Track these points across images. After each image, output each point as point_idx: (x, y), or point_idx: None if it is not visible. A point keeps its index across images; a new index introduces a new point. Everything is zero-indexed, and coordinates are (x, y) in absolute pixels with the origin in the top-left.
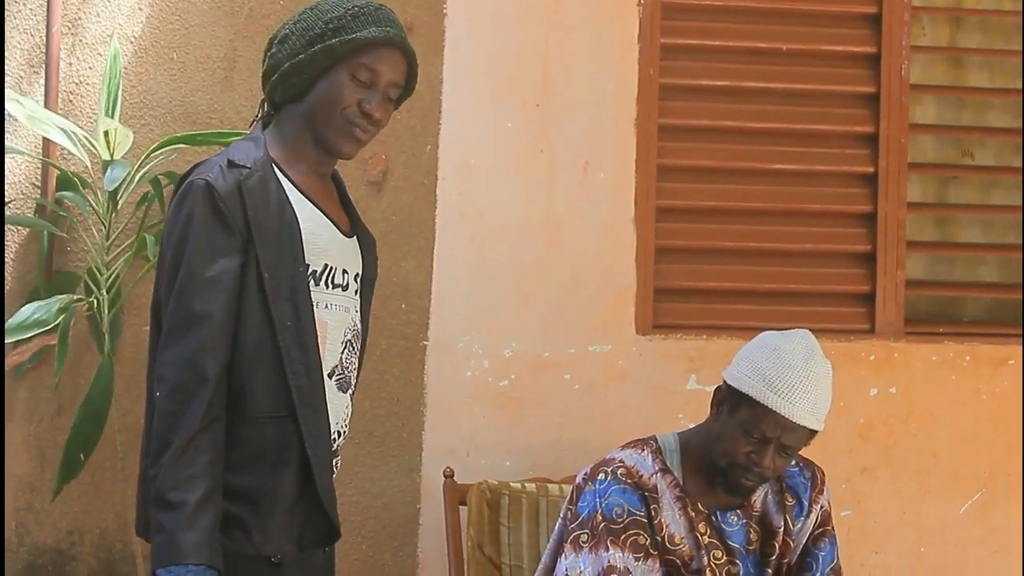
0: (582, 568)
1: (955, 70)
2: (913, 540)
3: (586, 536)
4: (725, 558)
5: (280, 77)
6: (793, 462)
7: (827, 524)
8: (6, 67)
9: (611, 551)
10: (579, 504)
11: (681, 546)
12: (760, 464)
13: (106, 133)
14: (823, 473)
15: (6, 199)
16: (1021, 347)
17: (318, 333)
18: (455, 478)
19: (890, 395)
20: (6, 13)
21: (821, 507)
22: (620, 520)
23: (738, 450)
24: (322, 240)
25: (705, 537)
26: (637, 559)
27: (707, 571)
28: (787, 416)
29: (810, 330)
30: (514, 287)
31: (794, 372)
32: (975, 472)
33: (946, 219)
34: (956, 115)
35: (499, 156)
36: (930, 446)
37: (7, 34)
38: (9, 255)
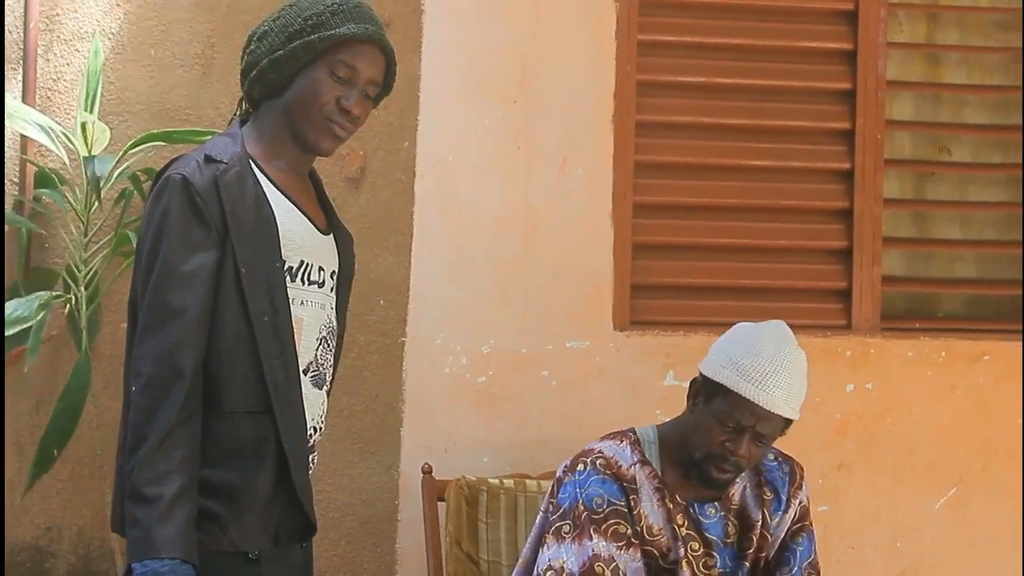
0: (565, 558)
1: (932, 66)
2: (889, 535)
3: (568, 527)
4: (702, 550)
5: (259, 73)
6: (772, 456)
7: (805, 519)
8: None
9: (594, 540)
10: (560, 495)
11: (659, 537)
12: (736, 453)
13: (83, 126)
14: (802, 469)
15: None
16: (998, 342)
17: (294, 329)
18: (433, 474)
19: (866, 391)
20: None
21: (800, 502)
22: (601, 510)
23: (713, 440)
24: (299, 236)
25: (683, 529)
26: (619, 548)
27: (683, 563)
28: (761, 404)
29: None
30: (492, 284)
31: (767, 360)
32: (951, 467)
33: (923, 215)
34: (933, 111)
35: (477, 152)
36: (906, 441)
37: None
38: None
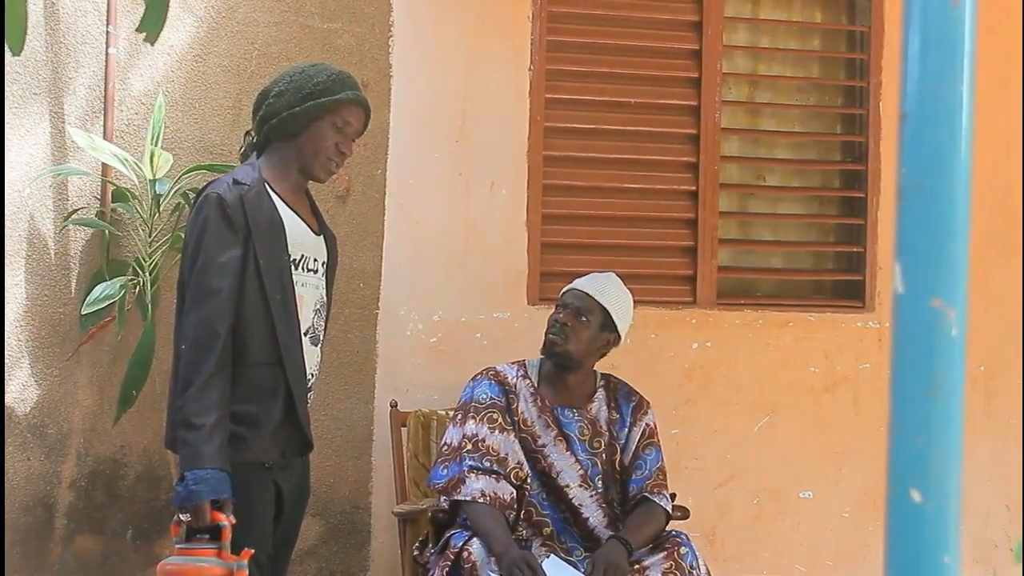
0: (453, 436)
1: (752, 117)
2: (722, 449)
3: (460, 416)
4: (563, 440)
5: (279, 122)
6: (627, 389)
7: (652, 437)
8: (76, 109)
9: (469, 423)
10: (461, 397)
11: (532, 427)
12: (557, 318)
13: (151, 155)
14: (648, 403)
15: (76, 209)
16: (799, 313)
17: (297, 304)
18: (398, 408)
19: (706, 347)
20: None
21: (645, 424)
22: (483, 402)
23: (550, 320)
24: (299, 237)
25: (550, 423)
26: (491, 429)
27: (549, 446)
28: (575, 286)
29: (650, 302)
30: (441, 272)
31: (593, 275)
32: (765, 402)
33: (746, 223)
34: (753, 149)
35: (430, 178)
36: (734, 383)
37: (77, 88)
38: (77, 248)
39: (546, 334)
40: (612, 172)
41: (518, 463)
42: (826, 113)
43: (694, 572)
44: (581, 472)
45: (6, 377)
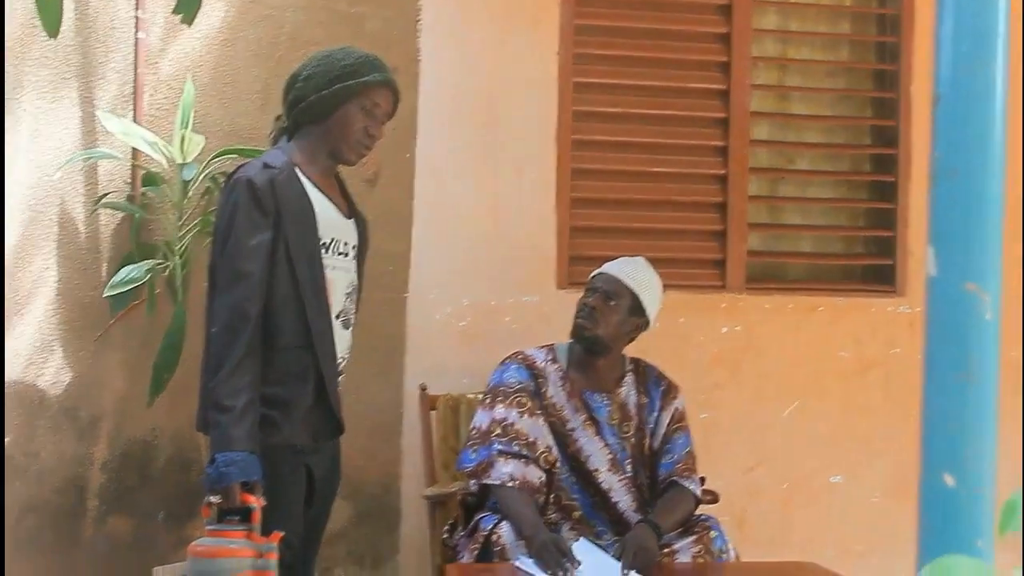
0: (481, 421)
1: (782, 102)
2: (750, 433)
3: (488, 399)
4: (592, 424)
5: (307, 105)
6: (656, 373)
7: (682, 421)
8: (106, 94)
9: (498, 408)
10: (490, 381)
11: (561, 411)
12: (586, 301)
13: (181, 138)
14: (677, 388)
15: (106, 192)
16: (828, 298)
17: (328, 287)
18: (428, 391)
19: (736, 332)
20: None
21: (675, 408)
22: (512, 387)
23: (579, 304)
24: (330, 220)
25: (579, 407)
26: (520, 413)
27: (585, 425)
28: (605, 271)
29: (679, 287)
30: (470, 256)
31: (621, 260)
32: (794, 387)
33: (776, 208)
34: (783, 133)
35: (458, 162)
36: (763, 368)
37: (106, 73)
38: (107, 231)
39: (575, 318)
40: (641, 156)
41: (547, 447)
42: (856, 97)
43: (723, 556)
44: (610, 456)
45: (38, 360)
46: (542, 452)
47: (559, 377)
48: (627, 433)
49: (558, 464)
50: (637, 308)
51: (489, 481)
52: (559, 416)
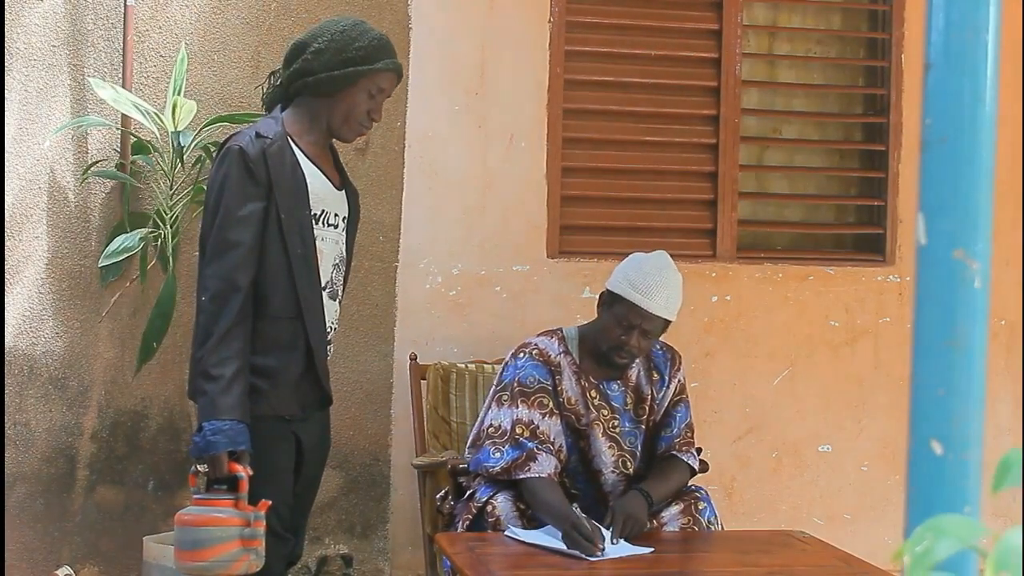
0: (502, 419)
1: (772, 69)
2: (740, 403)
3: (506, 396)
4: (610, 415)
5: (315, 81)
6: (659, 347)
7: (683, 393)
8: (95, 62)
9: (520, 408)
10: (504, 374)
11: (576, 406)
12: (628, 344)
13: (174, 105)
14: (680, 356)
15: (96, 161)
16: (818, 267)
17: (317, 258)
18: (418, 360)
19: (726, 301)
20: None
21: (678, 380)
22: (531, 386)
23: (614, 335)
24: (321, 192)
25: (595, 400)
26: (542, 415)
27: (595, 423)
28: (645, 308)
29: (670, 255)
30: (460, 224)
31: (651, 277)
32: (784, 355)
33: (765, 177)
34: (773, 102)
35: (449, 130)
36: (753, 337)
37: (96, 40)
38: (98, 200)
39: (615, 356)
40: (632, 125)
41: (561, 445)
42: (848, 65)
43: (711, 527)
44: (615, 458)
45: (28, 329)
46: (558, 450)
47: (573, 371)
48: (642, 416)
49: (568, 456)
50: (667, 325)
51: (530, 475)
52: (574, 411)
